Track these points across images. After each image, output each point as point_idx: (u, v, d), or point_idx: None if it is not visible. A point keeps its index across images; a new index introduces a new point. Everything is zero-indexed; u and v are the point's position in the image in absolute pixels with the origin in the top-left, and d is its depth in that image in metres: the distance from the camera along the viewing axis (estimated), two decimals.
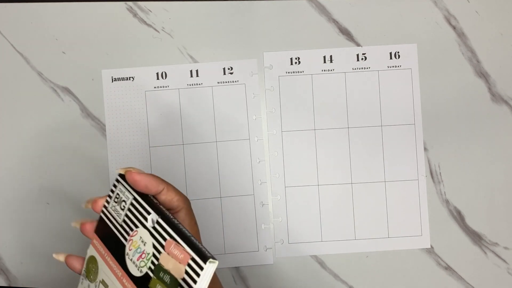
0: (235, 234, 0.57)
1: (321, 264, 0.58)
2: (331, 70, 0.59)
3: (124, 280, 0.35)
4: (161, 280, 0.33)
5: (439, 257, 0.57)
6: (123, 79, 0.58)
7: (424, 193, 0.58)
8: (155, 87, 0.58)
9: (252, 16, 0.58)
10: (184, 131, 0.58)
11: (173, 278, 0.32)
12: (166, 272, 0.33)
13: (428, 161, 0.58)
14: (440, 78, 0.58)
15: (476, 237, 0.58)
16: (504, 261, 0.57)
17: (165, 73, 0.58)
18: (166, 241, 0.34)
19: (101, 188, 0.57)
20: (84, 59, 0.58)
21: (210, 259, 0.31)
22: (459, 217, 0.58)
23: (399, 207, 0.58)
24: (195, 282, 0.31)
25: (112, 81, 0.57)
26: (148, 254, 0.34)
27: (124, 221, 0.37)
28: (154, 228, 0.35)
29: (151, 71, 0.58)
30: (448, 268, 0.57)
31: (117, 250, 0.37)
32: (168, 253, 0.33)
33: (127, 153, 0.57)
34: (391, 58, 0.59)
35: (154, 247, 0.34)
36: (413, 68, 0.59)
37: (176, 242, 0.33)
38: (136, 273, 0.34)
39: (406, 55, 0.59)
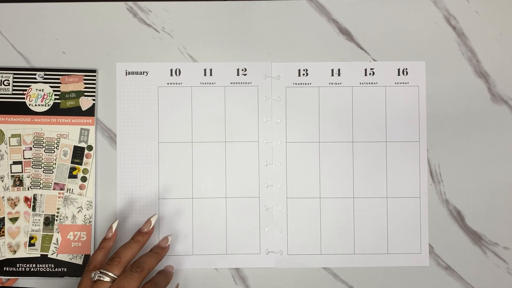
0: (238, 235, 0.61)
1: None
2: (338, 83, 0.62)
3: None
4: None
5: (439, 257, 0.61)
6: (137, 73, 0.62)
7: (425, 211, 0.61)
8: (168, 83, 0.62)
9: (252, 16, 0.62)
10: (194, 129, 0.62)
11: None
12: None
13: (428, 161, 0.62)
14: (439, 78, 0.62)
15: (476, 237, 0.62)
16: (504, 261, 0.61)
17: (179, 70, 0.62)
18: None
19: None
20: (84, 59, 0.62)
21: None
22: (459, 217, 0.62)
23: (400, 223, 0.61)
24: None
25: (126, 75, 0.61)
26: None
27: None
28: None
29: (165, 67, 0.62)
30: (448, 268, 0.61)
31: None
32: None
33: (135, 147, 0.61)
34: (399, 74, 0.62)
35: None
36: (420, 85, 0.62)
37: None
38: None
39: (414, 72, 0.62)
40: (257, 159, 0.62)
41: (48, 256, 0.60)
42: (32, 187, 0.60)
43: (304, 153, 0.62)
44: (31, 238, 0.60)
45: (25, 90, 0.61)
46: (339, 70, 0.63)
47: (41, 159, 0.60)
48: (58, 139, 0.61)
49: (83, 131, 0.61)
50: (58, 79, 0.61)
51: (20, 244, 0.60)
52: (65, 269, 0.60)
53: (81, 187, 0.61)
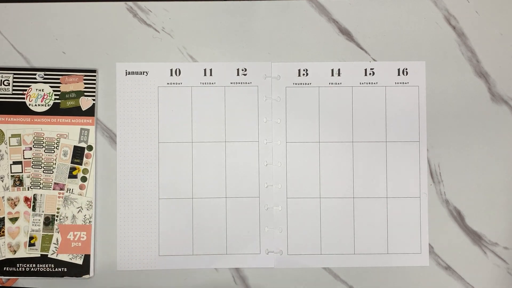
0: (238, 235, 0.62)
1: None
2: (338, 83, 0.63)
3: None
4: None
5: (439, 257, 0.62)
6: (137, 73, 0.62)
7: (425, 211, 0.62)
8: (168, 83, 0.62)
9: (252, 16, 0.63)
10: (194, 129, 0.62)
11: None
12: None
13: (428, 161, 0.62)
14: (439, 78, 0.63)
15: (476, 237, 0.62)
16: (504, 261, 0.62)
17: (179, 70, 0.62)
18: None
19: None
20: (84, 59, 0.62)
21: None
22: (459, 217, 0.62)
23: (400, 223, 0.62)
24: None
25: (126, 75, 0.62)
26: None
27: None
28: None
29: (165, 67, 0.62)
30: (448, 268, 0.62)
31: None
32: None
33: (135, 147, 0.62)
34: (399, 74, 0.63)
35: None
36: (420, 85, 0.63)
37: None
38: None
39: (414, 72, 0.63)
40: (257, 159, 0.62)
41: (48, 256, 0.60)
42: (32, 187, 0.61)
43: (304, 153, 0.62)
44: (31, 238, 0.60)
45: (25, 90, 0.61)
46: (339, 70, 0.63)
47: (41, 159, 0.61)
48: (58, 139, 0.61)
49: (83, 131, 0.61)
50: (58, 79, 0.62)
51: (20, 244, 0.60)
52: (65, 269, 0.60)
53: (81, 187, 0.61)
